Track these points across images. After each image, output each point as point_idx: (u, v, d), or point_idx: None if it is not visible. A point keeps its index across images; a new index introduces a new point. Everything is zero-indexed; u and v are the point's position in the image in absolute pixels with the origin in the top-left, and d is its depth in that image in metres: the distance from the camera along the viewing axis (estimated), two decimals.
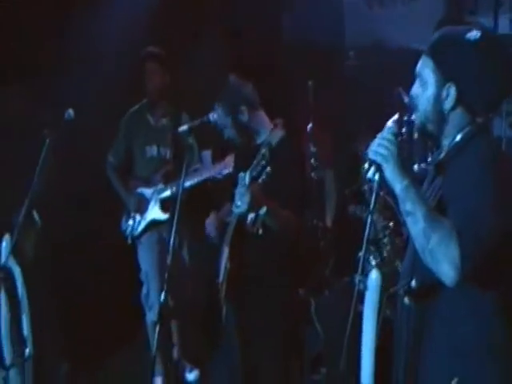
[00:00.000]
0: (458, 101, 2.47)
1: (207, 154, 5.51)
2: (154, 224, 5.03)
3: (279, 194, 3.55)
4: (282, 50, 6.63)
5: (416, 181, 2.41)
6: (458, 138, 2.49)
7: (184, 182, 3.83)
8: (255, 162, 3.44)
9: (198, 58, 6.01)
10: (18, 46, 5.36)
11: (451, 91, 2.47)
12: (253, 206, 3.46)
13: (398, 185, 2.36)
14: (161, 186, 5.03)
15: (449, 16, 6.24)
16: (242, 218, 3.67)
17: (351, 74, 6.11)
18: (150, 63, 5.09)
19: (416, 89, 2.56)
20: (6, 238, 3.93)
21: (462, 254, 2.24)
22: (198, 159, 5.18)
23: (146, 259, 5.03)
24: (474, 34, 2.45)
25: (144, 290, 5.05)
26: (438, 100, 2.49)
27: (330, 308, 4.89)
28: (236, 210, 3.52)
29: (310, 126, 5.59)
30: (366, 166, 2.43)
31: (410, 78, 2.62)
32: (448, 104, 2.48)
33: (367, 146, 2.44)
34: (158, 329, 3.50)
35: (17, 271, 3.93)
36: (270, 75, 5.87)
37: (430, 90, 2.50)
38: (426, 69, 2.52)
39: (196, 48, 6.03)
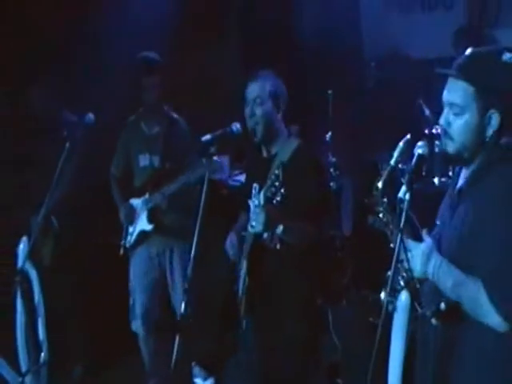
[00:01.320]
0: (499, 126, 2.40)
1: (225, 160, 5.46)
2: (143, 235, 4.93)
3: (295, 206, 3.47)
4: (299, 55, 6.57)
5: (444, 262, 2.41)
6: (481, 162, 2.44)
7: (203, 192, 3.65)
8: (269, 182, 3.35)
9: (202, 62, 5.94)
10: (39, 48, 5.35)
11: (494, 118, 2.40)
12: (268, 227, 3.42)
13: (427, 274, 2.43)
14: (148, 195, 4.93)
15: (468, 26, 6.17)
16: (259, 234, 3.60)
17: (372, 84, 6.05)
18: (147, 77, 4.76)
19: (448, 117, 2.46)
20: (24, 240, 3.87)
21: (500, 305, 2.28)
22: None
23: (134, 274, 4.98)
24: (509, 57, 2.39)
25: (130, 301, 5.01)
26: (479, 127, 2.41)
27: (347, 319, 4.85)
28: (251, 230, 3.48)
29: (329, 134, 5.56)
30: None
31: (429, 90, 2.56)
32: (490, 131, 2.41)
33: (386, 155, 2.41)
34: (177, 341, 3.43)
35: (33, 274, 3.87)
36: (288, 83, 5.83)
37: (470, 118, 2.41)
38: (462, 95, 2.42)
39: (202, 53, 5.97)
